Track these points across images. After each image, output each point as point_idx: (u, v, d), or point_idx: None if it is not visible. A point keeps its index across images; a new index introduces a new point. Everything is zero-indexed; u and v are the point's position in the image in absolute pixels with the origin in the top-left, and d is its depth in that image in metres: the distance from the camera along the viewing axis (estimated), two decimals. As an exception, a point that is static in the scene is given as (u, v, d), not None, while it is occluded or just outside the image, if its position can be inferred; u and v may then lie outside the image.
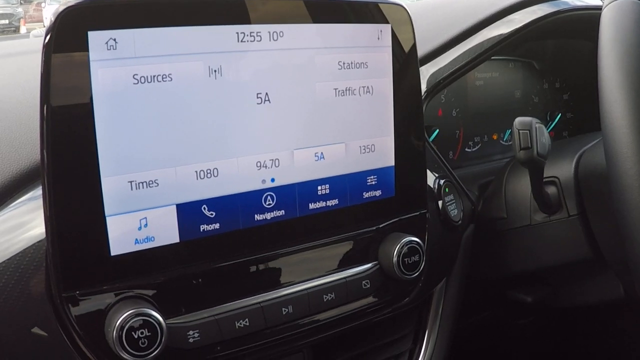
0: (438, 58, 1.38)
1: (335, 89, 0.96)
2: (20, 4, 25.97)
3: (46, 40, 0.75)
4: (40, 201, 0.82)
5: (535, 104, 1.86)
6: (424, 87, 1.31)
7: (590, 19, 1.60)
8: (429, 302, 1.30)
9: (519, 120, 1.19)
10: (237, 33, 0.86)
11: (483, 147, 1.75)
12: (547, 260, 1.43)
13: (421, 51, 1.06)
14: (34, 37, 2.07)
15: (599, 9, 1.57)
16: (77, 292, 0.81)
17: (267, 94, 0.89)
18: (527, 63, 1.85)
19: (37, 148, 0.93)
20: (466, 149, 1.70)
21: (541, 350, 1.98)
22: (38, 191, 0.91)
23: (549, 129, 1.88)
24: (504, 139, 1.80)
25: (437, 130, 1.57)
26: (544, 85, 1.89)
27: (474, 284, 1.45)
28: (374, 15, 1.00)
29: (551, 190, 1.36)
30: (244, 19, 0.87)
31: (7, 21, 24.02)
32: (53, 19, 0.75)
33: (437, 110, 1.59)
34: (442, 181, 1.27)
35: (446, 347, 1.33)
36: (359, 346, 1.20)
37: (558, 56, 1.87)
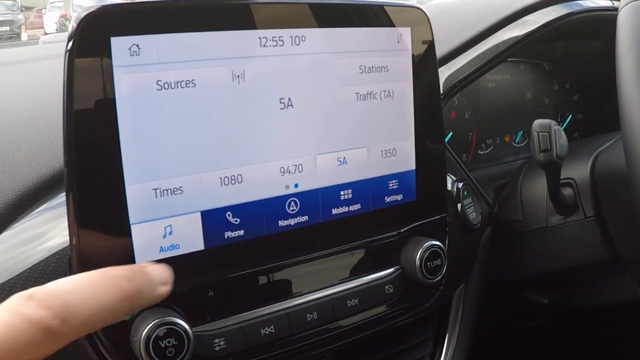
0: (453, 60, 1.38)
1: (357, 93, 0.95)
2: (21, 10, 26.04)
3: (69, 47, 0.74)
4: (62, 209, 0.81)
5: (546, 106, 1.86)
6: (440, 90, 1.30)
7: (603, 20, 1.60)
8: (448, 306, 1.30)
9: (538, 122, 1.19)
10: (260, 38, 0.86)
11: (495, 149, 1.75)
12: (564, 262, 1.42)
13: (437, 54, 1.06)
14: (43, 44, 2.06)
15: (612, 10, 1.57)
16: (102, 301, 0.80)
17: (289, 98, 0.89)
18: (537, 64, 1.84)
19: (56, 156, 0.93)
20: (479, 151, 1.70)
21: (551, 351, 1.97)
22: (59, 199, 0.90)
23: (560, 130, 1.88)
24: (516, 141, 1.80)
25: (451, 133, 1.57)
26: (555, 87, 1.88)
27: (489, 285, 1.44)
28: (394, 19, 0.99)
29: (567, 191, 1.36)
30: (266, 24, 0.87)
31: (7, 28, 24.09)
32: (75, 25, 0.75)
33: (450, 112, 1.59)
34: (460, 184, 1.26)
35: (466, 349, 1.33)
36: (381, 351, 1.19)
37: (568, 57, 1.87)
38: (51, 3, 24.90)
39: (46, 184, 0.91)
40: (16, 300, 0.51)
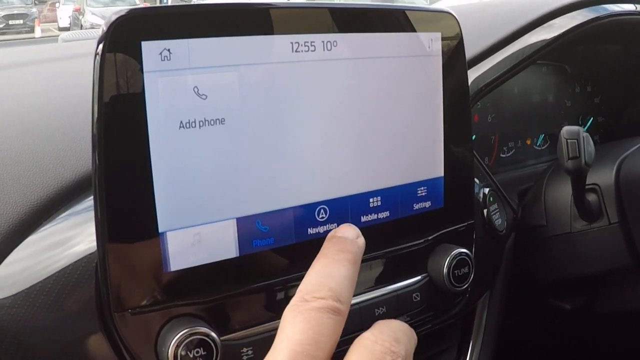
0: (479, 64, 1.37)
1: (387, 99, 0.94)
2: (35, 4, 26.16)
3: (99, 50, 0.73)
4: (89, 214, 0.81)
5: (568, 108, 1.86)
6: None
7: (628, 24, 1.59)
8: (473, 312, 1.29)
9: (566, 129, 1.18)
10: (292, 43, 0.85)
11: (517, 153, 1.74)
12: (587, 268, 1.42)
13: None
14: (63, 42, 2.05)
15: (637, 14, 1.56)
16: (129, 310, 0.79)
17: (321, 104, 0.88)
18: (559, 67, 1.84)
19: (82, 160, 0.92)
20: (501, 155, 1.70)
21: (568, 355, 1.97)
22: (85, 204, 0.90)
23: (582, 133, 1.87)
24: (537, 144, 1.80)
25: (474, 137, 1.56)
26: (576, 89, 1.88)
27: (512, 290, 1.44)
28: (425, 24, 0.98)
29: (591, 197, 1.35)
30: (298, 29, 0.86)
31: (21, 21, 24.23)
32: (105, 29, 0.74)
33: (473, 116, 1.58)
34: (486, 190, 1.26)
35: (491, 356, 1.32)
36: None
37: (589, 60, 1.87)
38: (65, -4, 25.04)
39: (72, 189, 0.91)
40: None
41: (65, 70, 1.38)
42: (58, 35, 2.13)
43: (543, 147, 1.82)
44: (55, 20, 24.93)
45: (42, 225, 0.88)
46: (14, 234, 0.87)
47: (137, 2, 23.12)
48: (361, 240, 0.78)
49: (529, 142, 1.79)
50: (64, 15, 23.60)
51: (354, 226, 0.80)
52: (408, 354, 0.67)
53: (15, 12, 24.69)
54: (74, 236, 0.87)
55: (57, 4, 25.90)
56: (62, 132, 1.00)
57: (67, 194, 0.90)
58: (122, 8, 0.77)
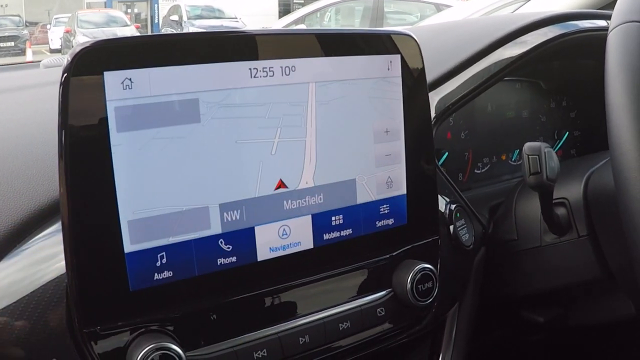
0: (446, 83, 1.38)
1: (348, 121, 0.97)
2: (26, 26, 26.14)
3: (62, 80, 0.77)
4: (57, 238, 0.83)
5: (543, 123, 1.87)
6: (433, 113, 1.31)
7: (596, 39, 1.60)
8: (442, 326, 1.31)
9: (528, 145, 1.20)
10: (250, 69, 0.88)
11: (492, 168, 1.75)
12: (558, 281, 1.43)
13: (430, 77, 1.07)
14: (45, 68, 2.06)
15: (604, 30, 1.58)
16: (98, 327, 0.83)
17: (281, 128, 0.91)
18: (533, 83, 1.85)
19: (54, 184, 0.94)
20: (475, 171, 1.71)
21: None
22: (57, 226, 0.92)
23: (557, 148, 1.88)
24: (513, 159, 1.81)
25: (447, 153, 1.58)
26: (551, 104, 1.89)
27: (485, 304, 1.45)
28: (384, 46, 1.01)
29: (561, 211, 1.36)
30: (257, 55, 0.89)
31: (12, 43, 24.21)
32: (70, 59, 0.77)
33: (446, 133, 1.60)
34: (453, 206, 1.27)
35: (460, 369, 1.33)
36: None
37: (564, 75, 1.88)
38: (56, 18, 25.02)
39: (44, 212, 0.93)
40: None
41: (43, 96, 1.39)
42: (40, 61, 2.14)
43: (518, 162, 1.83)
44: (47, 42, 24.92)
45: (16, 247, 0.90)
46: None
47: (129, 23, 23.13)
48: None
49: (504, 157, 1.79)
50: (55, 37, 23.57)
51: None
52: None
53: (6, 34, 24.71)
54: (46, 258, 0.89)
55: (48, 26, 25.88)
56: (36, 158, 1.02)
57: (40, 217, 0.93)
58: (87, 40, 0.80)
